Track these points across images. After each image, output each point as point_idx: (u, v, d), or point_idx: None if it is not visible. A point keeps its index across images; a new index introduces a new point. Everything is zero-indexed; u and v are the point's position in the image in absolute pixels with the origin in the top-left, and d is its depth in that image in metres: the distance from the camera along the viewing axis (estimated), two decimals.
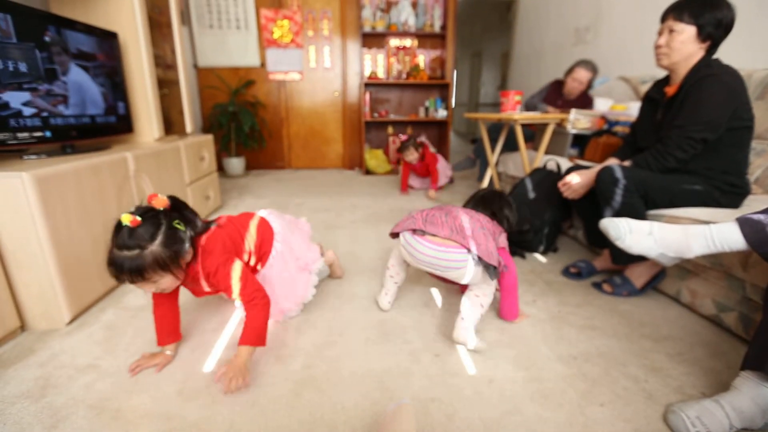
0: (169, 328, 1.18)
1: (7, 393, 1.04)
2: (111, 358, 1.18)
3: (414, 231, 1.23)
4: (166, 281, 1.01)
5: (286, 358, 1.19)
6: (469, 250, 1.15)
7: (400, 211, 2.83)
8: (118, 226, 0.95)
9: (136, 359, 1.15)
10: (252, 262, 1.29)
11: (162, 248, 0.97)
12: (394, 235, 1.33)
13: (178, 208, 1.07)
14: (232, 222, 1.28)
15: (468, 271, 1.17)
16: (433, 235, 1.19)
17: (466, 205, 1.44)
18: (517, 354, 1.21)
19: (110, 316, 1.43)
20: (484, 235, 1.19)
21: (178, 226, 1.02)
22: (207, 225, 1.17)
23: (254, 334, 1.08)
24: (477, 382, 1.09)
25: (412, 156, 3.22)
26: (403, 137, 3.33)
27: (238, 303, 1.12)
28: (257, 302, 1.10)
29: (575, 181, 1.64)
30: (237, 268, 1.12)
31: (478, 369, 1.14)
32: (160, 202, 1.01)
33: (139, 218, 0.95)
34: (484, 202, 1.43)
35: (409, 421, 0.82)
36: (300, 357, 1.19)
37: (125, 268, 0.93)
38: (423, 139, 4.38)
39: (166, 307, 1.18)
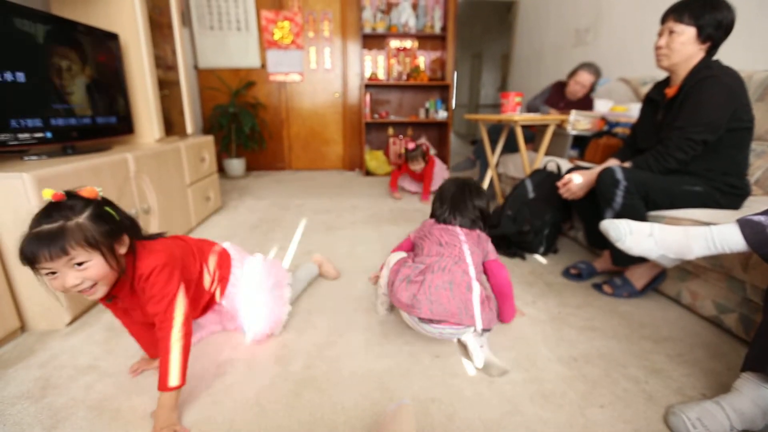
0: (153, 341, 1.10)
1: (7, 393, 1.04)
2: (111, 359, 1.18)
3: (421, 318, 1.14)
4: (95, 266, 0.84)
5: (286, 358, 1.19)
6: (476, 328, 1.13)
7: (401, 212, 2.84)
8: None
9: (137, 361, 1.15)
10: (207, 283, 1.17)
11: (89, 222, 0.83)
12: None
13: (110, 205, 0.93)
14: (181, 237, 1.17)
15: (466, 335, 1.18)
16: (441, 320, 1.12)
17: (440, 214, 1.33)
18: (517, 355, 1.20)
19: (110, 317, 1.42)
20: (483, 291, 1.16)
21: (110, 211, 0.90)
22: (150, 235, 1.05)
23: (175, 373, 0.92)
24: (477, 382, 1.09)
25: (418, 166, 3.19)
26: (411, 145, 3.24)
27: (163, 326, 0.94)
28: (181, 333, 0.94)
29: (576, 181, 1.64)
30: (174, 282, 0.97)
31: (478, 370, 1.14)
32: (89, 192, 0.88)
33: (63, 193, 0.84)
34: (460, 211, 1.31)
35: (409, 421, 0.82)
36: (300, 357, 1.19)
37: (43, 240, 0.78)
38: (423, 140, 4.39)
39: (140, 324, 1.09)
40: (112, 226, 0.88)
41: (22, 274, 1.27)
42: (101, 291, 0.90)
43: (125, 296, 0.98)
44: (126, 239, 0.93)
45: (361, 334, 1.32)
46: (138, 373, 1.11)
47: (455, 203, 1.32)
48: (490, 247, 1.32)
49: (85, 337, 1.30)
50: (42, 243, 0.79)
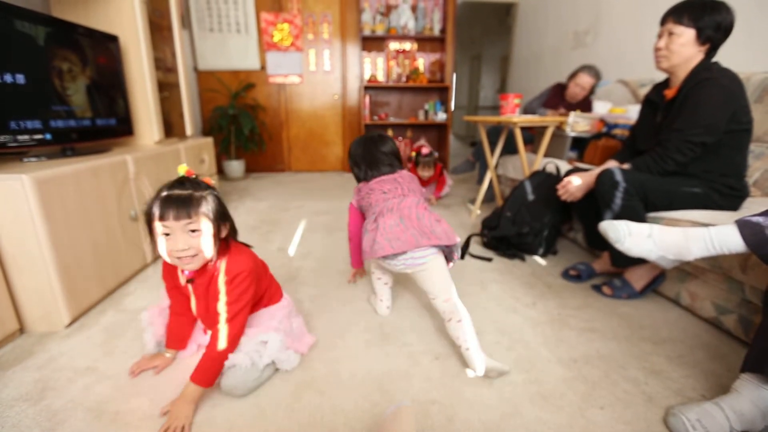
0: (181, 335, 1.17)
1: (5, 396, 1.04)
2: (110, 361, 1.18)
3: (385, 257, 1.23)
4: (204, 237, 0.96)
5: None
6: (435, 246, 1.22)
7: None
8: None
9: (136, 361, 1.15)
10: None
11: (212, 199, 0.99)
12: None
13: None
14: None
15: (437, 264, 1.23)
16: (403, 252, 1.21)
17: (364, 176, 1.41)
18: (517, 356, 1.20)
19: (109, 318, 1.42)
20: (432, 215, 1.25)
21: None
22: (241, 242, 1.14)
23: (211, 372, 0.99)
24: (477, 384, 1.08)
25: (428, 173, 3.10)
26: (425, 150, 3.11)
27: (222, 328, 1.01)
28: (232, 341, 1.01)
29: (575, 183, 1.64)
30: (250, 293, 1.05)
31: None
32: (208, 180, 1.05)
33: (193, 171, 1.02)
34: (377, 164, 1.40)
35: (409, 422, 0.82)
36: (300, 359, 1.19)
37: (174, 200, 0.93)
38: (423, 142, 4.39)
39: (185, 318, 1.16)
40: (224, 210, 1.03)
41: (21, 276, 1.27)
42: (197, 263, 0.99)
43: (201, 284, 1.05)
44: (228, 227, 1.05)
45: (360, 335, 1.32)
46: (137, 374, 1.11)
47: (369, 161, 1.42)
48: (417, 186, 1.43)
49: (83, 338, 1.30)
50: (173, 204, 0.93)
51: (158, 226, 0.94)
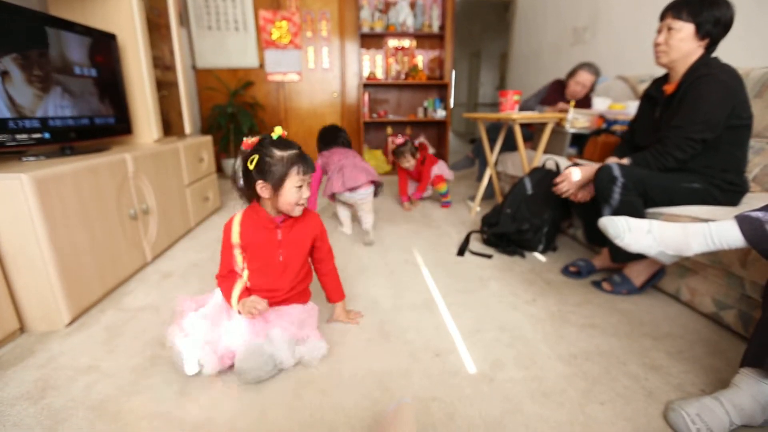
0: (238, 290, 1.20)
1: (6, 395, 1.04)
2: (111, 360, 1.18)
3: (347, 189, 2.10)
4: (308, 190, 1.16)
5: None
6: (374, 182, 2.17)
7: (399, 212, 2.84)
8: (264, 139, 1.14)
9: (247, 307, 1.12)
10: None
11: None
12: (332, 195, 2.19)
13: None
14: None
15: (372, 196, 2.20)
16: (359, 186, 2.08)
17: (325, 146, 2.36)
18: (518, 353, 1.21)
19: (110, 317, 1.43)
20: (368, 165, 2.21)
21: None
22: None
23: (341, 290, 1.37)
24: (477, 381, 1.09)
25: (408, 163, 2.96)
26: (399, 141, 3.02)
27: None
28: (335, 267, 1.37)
29: (575, 176, 1.64)
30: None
31: (479, 368, 1.14)
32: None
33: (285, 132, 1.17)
34: (336, 140, 2.36)
35: (410, 420, 0.82)
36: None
37: (305, 157, 1.12)
38: (422, 139, 4.38)
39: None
40: None
41: (21, 275, 1.27)
42: (303, 209, 1.19)
43: (289, 225, 1.20)
44: None
45: (361, 334, 1.32)
46: (256, 315, 1.12)
47: (331, 137, 2.38)
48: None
49: (84, 337, 1.30)
50: (307, 161, 1.12)
51: (297, 179, 1.10)
